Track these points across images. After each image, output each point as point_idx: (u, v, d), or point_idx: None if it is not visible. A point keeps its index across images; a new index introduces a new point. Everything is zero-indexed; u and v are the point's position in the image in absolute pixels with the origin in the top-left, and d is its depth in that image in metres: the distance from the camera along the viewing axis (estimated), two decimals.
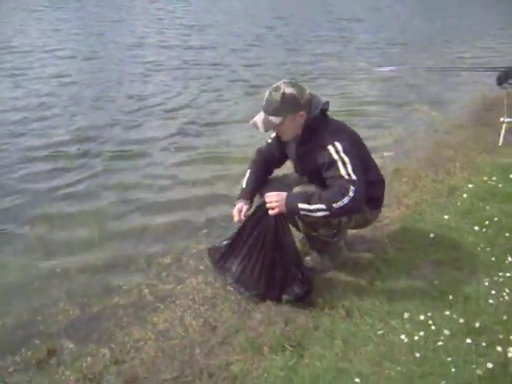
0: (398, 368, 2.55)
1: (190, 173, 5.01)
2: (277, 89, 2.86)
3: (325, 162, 2.87)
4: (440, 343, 2.68)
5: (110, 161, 5.17)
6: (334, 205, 2.75)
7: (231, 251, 3.21)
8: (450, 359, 2.58)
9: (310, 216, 2.85)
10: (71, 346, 2.77)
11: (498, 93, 7.21)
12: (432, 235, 3.66)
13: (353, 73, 8.84)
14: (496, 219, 3.77)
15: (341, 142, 2.86)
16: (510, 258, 3.35)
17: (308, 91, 2.91)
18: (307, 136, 2.98)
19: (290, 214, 2.95)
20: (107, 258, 3.56)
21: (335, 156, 2.83)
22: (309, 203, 2.81)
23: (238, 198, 3.24)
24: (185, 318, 2.97)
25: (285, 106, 2.84)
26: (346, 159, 2.82)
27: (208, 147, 5.66)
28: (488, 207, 3.98)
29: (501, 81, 5.12)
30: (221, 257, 3.27)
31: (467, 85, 8.04)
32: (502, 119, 5.50)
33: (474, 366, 2.53)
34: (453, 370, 2.51)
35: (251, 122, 2.98)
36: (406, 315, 2.90)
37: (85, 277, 3.35)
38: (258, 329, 2.88)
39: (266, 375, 2.54)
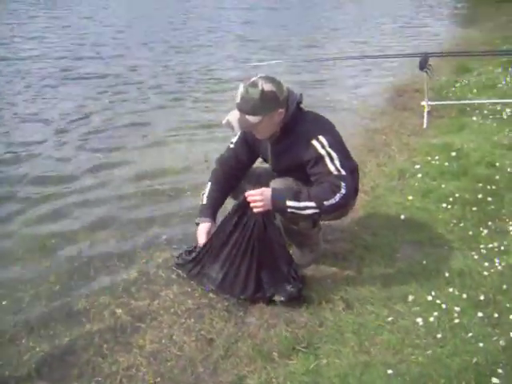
0: (423, 352, 2.40)
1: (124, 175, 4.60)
2: (254, 85, 2.59)
3: (311, 158, 2.68)
4: (456, 321, 2.58)
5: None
6: (325, 202, 2.57)
7: (208, 256, 2.89)
8: (470, 335, 2.49)
9: (296, 214, 2.63)
10: None
11: (404, 79, 7.56)
12: (402, 217, 3.58)
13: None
14: (457, 195, 3.79)
15: (324, 136, 2.68)
16: (485, 231, 3.36)
17: (285, 87, 2.70)
18: (285, 133, 2.77)
19: (276, 211, 2.71)
20: (62, 279, 3.06)
21: (321, 151, 2.65)
22: (298, 200, 2.60)
23: (200, 216, 2.99)
24: (174, 335, 2.61)
25: (264, 104, 2.59)
26: (333, 154, 2.65)
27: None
28: (443, 185, 4.01)
29: (422, 65, 5.25)
30: (195, 264, 2.95)
31: (362, 74, 8.24)
32: (423, 103, 5.65)
33: (495, 338, 2.46)
34: (480, 344, 2.40)
35: (224, 121, 2.70)
36: (410, 298, 2.77)
37: (41, 305, 2.84)
38: (259, 334, 2.61)
39: (289, 383, 2.27)
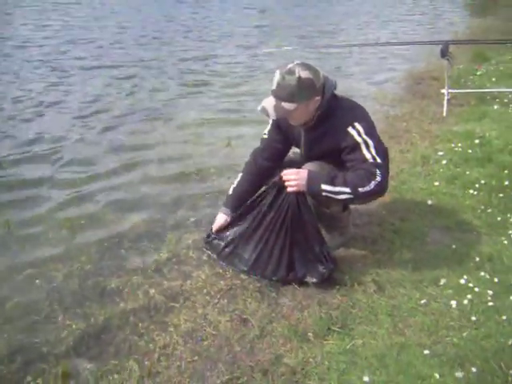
0: (458, 334, 2.41)
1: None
2: (290, 72, 2.57)
3: (347, 145, 2.67)
4: (490, 304, 2.59)
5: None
6: (360, 189, 2.59)
7: (240, 237, 2.91)
8: (504, 318, 2.50)
9: (330, 198, 2.65)
10: (88, 365, 2.33)
11: (421, 67, 7.52)
12: (429, 202, 3.58)
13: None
14: (483, 182, 3.78)
15: (360, 122, 2.67)
16: None
17: (322, 73, 2.67)
18: (321, 120, 2.75)
19: (310, 194, 2.72)
20: (93, 259, 3.09)
21: (358, 138, 2.64)
22: (333, 185, 2.61)
23: (223, 206, 3.08)
24: (208, 315, 2.62)
25: (301, 91, 2.57)
26: (370, 141, 2.65)
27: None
28: (468, 172, 4.00)
29: (444, 53, 5.22)
30: (226, 244, 2.96)
31: (378, 62, 8.20)
32: (443, 91, 5.62)
33: None
34: None
35: (259, 107, 2.69)
36: (442, 281, 2.78)
37: (74, 284, 2.86)
38: (293, 315, 2.62)
39: (327, 363, 2.29)
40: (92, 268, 3.00)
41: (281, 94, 2.61)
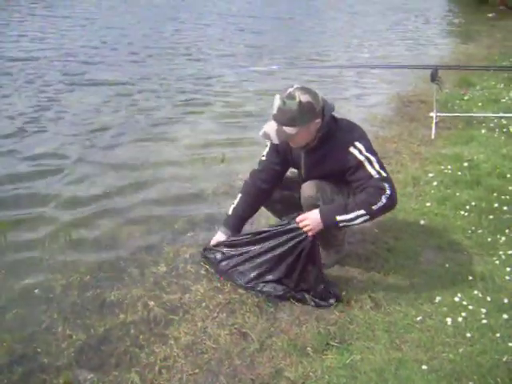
0: (454, 350, 2.47)
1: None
2: (291, 96, 2.61)
3: (351, 165, 2.72)
4: (483, 321, 2.65)
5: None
6: (374, 207, 2.65)
7: (245, 259, 2.94)
8: (498, 335, 2.56)
9: (349, 226, 2.73)
10: (89, 376, 2.34)
11: (409, 90, 7.67)
12: (422, 222, 3.66)
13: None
14: (473, 204, 3.87)
15: (360, 141, 2.75)
16: (503, 238, 3.44)
17: (320, 96, 2.73)
18: (321, 142, 2.81)
19: (328, 229, 2.76)
20: (92, 270, 3.10)
21: (360, 157, 2.71)
22: (347, 212, 2.67)
23: (222, 225, 3.15)
24: (208, 328, 2.65)
25: (302, 115, 2.62)
26: (372, 158, 2.72)
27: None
28: (458, 193, 4.09)
29: (433, 77, 5.35)
30: (223, 259, 2.99)
31: (366, 84, 8.34)
32: (431, 114, 5.75)
33: None
34: (509, 344, 2.48)
35: (261, 133, 2.75)
36: (437, 299, 2.84)
37: (74, 295, 2.87)
38: (292, 330, 2.66)
39: (327, 377, 2.33)
40: (91, 279, 3.01)
41: (282, 119, 2.65)
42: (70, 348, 2.48)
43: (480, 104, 6.73)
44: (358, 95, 7.56)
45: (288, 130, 2.66)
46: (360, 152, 2.71)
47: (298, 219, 2.74)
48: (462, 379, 2.28)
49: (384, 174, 2.70)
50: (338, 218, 2.66)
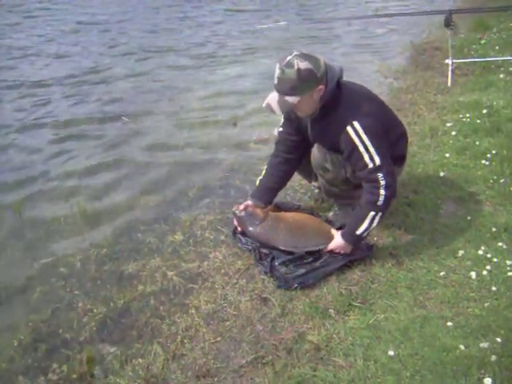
0: (479, 305, 2.42)
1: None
2: (289, 65, 2.48)
3: (345, 147, 2.64)
4: (509, 274, 2.59)
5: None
6: (378, 203, 2.62)
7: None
8: None
9: (371, 230, 2.71)
10: (112, 349, 2.36)
11: (423, 38, 7.44)
12: (441, 174, 3.56)
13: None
14: (494, 152, 3.75)
15: (359, 120, 2.58)
16: None
17: (323, 61, 2.57)
18: (324, 112, 2.68)
19: (357, 245, 2.79)
20: (108, 242, 3.11)
21: (356, 140, 2.58)
22: (361, 223, 2.66)
23: (250, 196, 3.09)
24: (228, 296, 2.62)
25: (302, 83, 2.49)
26: (367, 141, 2.57)
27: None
28: (478, 142, 3.96)
29: (447, 22, 5.14)
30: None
31: (379, 33, 8.11)
32: (447, 61, 5.55)
33: None
34: None
35: (264, 104, 2.62)
36: (460, 253, 2.77)
37: (92, 268, 2.88)
38: (313, 292, 2.62)
39: (350, 338, 2.30)
40: (109, 253, 3.01)
41: (282, 89, 2.53)
42: (91, 323, 2.49)
43: (497, 48, 6.49)
44: (370, 46, 7.34)
45: (290, 99, 2.54)
46: (356, 133, 2.57)
47: (327, 250, 2.80)
48: (489, 334, 2.23)
49: (378, 162, 2.58)
50: (358, 232, 2.68)
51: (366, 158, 2.58)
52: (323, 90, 2.57)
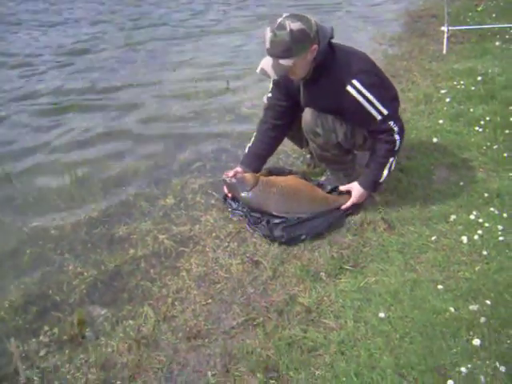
0: (469, 269, 2.42)
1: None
2: (281, 27, 2.40)
3: (349, 106, 2.61)
4: (500, 239, 2.59)
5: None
6: (396, 149, 2.72)
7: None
8: None
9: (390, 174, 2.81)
10: (102, 311, 2.35)
11: (419, 5, 7.33)
12: (434, 140, 3.54)
13: None
14: (488, 119, 3.73)
15: (358, 77, 2.55)
16: None
17: (314, 20, 2.50)
18: (318, 72, 2.62)
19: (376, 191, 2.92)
20: (100, 207, 3.09)
21: (359, 97, 2.56)
22: (383, 170, 2.77)
23: (240, 163, 3.04)
24: (219, 259, 2.62)
25: (296, 44, 2.42)
26: (371, 96, 2.57)
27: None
28: (472, 109, 3.94)
29: None
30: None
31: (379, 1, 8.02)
32: (442, 28, 5.48)
33: None
34: None
35: (258, 69, 2.55)
36: (451, 218, 2.77)
37: (83, 232, 2.86)
38: (304, 255, 2.62)
39: (341, 301, 2.31)
40: (99, 216, 3.00)
41: (276, 52, 2.47)
42: (81, 285, 2.49)
43: (494, 15, 6.42)
44: (366, 12, 7.25)
45: (284, 62, 2.48)
46: (358, 92, 2.55)
47: (348, 206, 2.85)
48: (479, 297, 2.24)
49: (386, 112, 2.60)
50: (381, 180, 2.80)
51: (374, 112, 2.61)
52: (316, 49, 2.51)
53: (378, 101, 2.59)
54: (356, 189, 2.84)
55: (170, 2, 8.57)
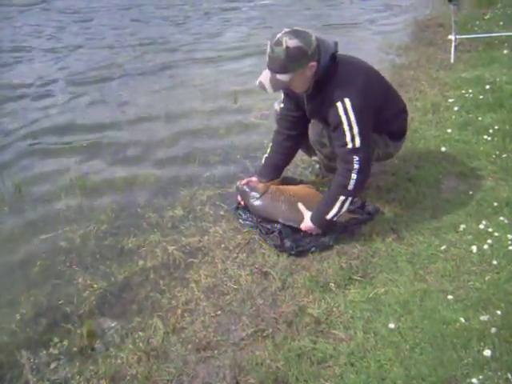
0: (479, 278, 2.41)
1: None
2: (278, 43, 2.43)
3: (332, 121, 2.61)
4: (510, 248, 2.58)
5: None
6: (349, 188, 2.61)
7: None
8: None
9: (341, 214, 2.68)
10: (112, 323, 2.36)
11: (426, 14, 7.34)
12: (443, 149, 3.53)
13: None
14: (497, 127, 3.72)
15: (350, 97, 2.54)
16: None
17: (314, 37, 2.50)
18: (318, 88, 2.64)
19: (328, 229, 2.77)
20: (108, 217, 3.10)
21: (343, 116, 2.54)
22: (331, 208, 2.65)
23: (257, 175, 3.08)
24: (228, 270, 2.62)
25: (291, 61, 2.44)
26: (353, 120, 2.54)
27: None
28: (480, 118, 3.93)
29: None
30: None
31: (381, 10, 8.02)
32: (450, 37, 5.47)
33: None
34: None
35: (257, 82, 2.59)
36: (461, 227, 2.76)
37: (92, 244, 2.87)
38: (313, 266, 2.62)
39: (351, 311, 2.30)
40: (108, 228, 3.01)
41: (273, 67, 2.50)
42: (91, 297, 2.49)
43: (501, 23, 6.40)
44: (372, 22, 7.25)
45: (281, 77, 2.50)
46: (345, 110, 2.54)
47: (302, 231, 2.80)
48: (489, 307, 2.23)
49: (357, 144, 2.56)
50: (328, 217, 2.67)
51: (348, 136, 2.56)
52: (315, 66, 2.52)
53: (358, 127, 2.55)
54: (306, 219, 2.77)
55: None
